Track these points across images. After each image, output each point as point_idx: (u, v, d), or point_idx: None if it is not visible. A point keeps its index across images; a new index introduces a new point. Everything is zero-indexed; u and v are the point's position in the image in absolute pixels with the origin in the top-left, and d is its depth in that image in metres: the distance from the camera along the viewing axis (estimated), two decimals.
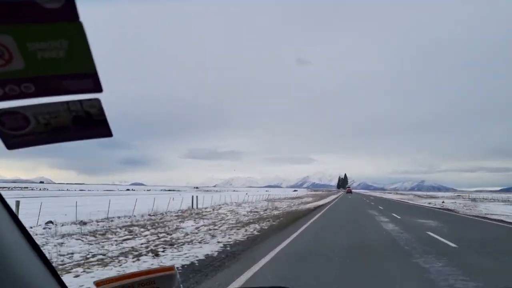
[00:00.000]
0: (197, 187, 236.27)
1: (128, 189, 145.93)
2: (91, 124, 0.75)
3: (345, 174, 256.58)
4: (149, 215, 20.15)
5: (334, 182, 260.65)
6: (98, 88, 0.69)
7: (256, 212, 25.29)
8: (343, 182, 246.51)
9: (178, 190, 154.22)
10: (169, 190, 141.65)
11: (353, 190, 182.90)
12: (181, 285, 1.30)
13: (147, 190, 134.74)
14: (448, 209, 31.25)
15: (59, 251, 8.87)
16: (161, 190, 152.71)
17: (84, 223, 15.18)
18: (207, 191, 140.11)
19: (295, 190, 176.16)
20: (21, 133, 0.73)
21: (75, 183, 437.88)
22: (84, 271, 6.89)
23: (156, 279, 1.22)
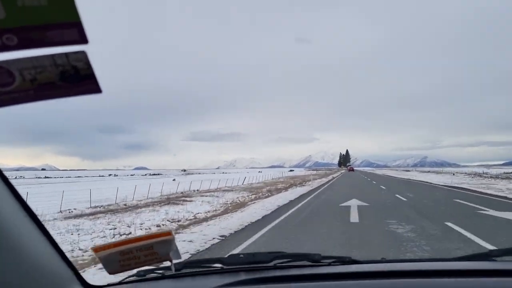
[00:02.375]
0: (184, 170, 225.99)
1: (110, 174, 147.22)
2: (78, 79, 0.69)
3: (347, 151, 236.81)
4: None
5: (337, 160, 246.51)
6: (84, 39, 0.64)
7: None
8: (344, 160, 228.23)
9: (160, 174, 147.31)
10: (153, 175, 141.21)
11: (355, 168, 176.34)
12: (178, 250, 1.32)
13: (131, 175, 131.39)
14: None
15: None
16: (145, 174, 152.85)
17: None
18: (200, 173, 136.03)
19: (291, 170, 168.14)
20: (6, 90, 0.68)
21: (78, 169, 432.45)
22: None
23: (154, 244, 1.22)
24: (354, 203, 15.28)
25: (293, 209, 14.45)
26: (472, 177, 48.74)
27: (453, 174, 60.39)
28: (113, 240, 8.10)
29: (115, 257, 1.21)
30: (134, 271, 1.48)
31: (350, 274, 1.58)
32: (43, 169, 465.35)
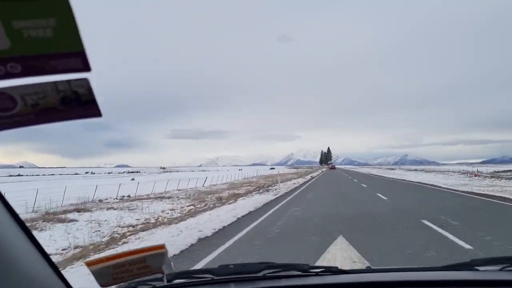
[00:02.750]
0: (164, 168, 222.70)
1: (87, 172, 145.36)
2: (79, 104, 0.71)
3: (328, 148, 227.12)
4: None
5: (318, 158, 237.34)
6: (87, 67, 0.66)
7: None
8: (326, 158, 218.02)
9: (138, 172, 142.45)
10: (132, 172, 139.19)
11: (337, 166, 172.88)
12: (171, 263, 1.34)
13: (108, 173, 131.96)
14: None
15: None
16: (123, 172, 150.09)
17: None
18: (178, 171, 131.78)
19: (272, 168, 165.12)
20: (8, 114, 0.69)
21: (57, 167, 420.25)
22: None
23: (147, 257, 1.24)
24: (340, 254, 6.44)
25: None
26: (470, 177, 41.78)
27: (447, 174, 52.87)
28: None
29: (108, 270, 1.21)
30: (126, 283, 1.45)
31: (338, 285, 1.62)
32: (21, 167, 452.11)
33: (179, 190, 32.66)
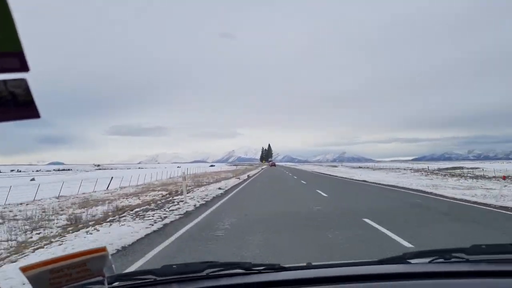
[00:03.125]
0: (98, 165, 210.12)
1: (12, 170, 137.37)
2: (16, 105, 0.70)
3: (269, 145, 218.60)
4: None
5: (259, 155, 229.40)
6: (24, 68, 0.65)
7: None
8: (266, 154, 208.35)
9: (70, 170, 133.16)
10: (62, 170, 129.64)
11: (277, 164, 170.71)
12: (113, 266, 1.26)
13: (37, 171, 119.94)
14: None
15: None
16: (50, 171, 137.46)
17: None
18: (112, 169, 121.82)
19: (211, 165, 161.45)
20: None
21: None
22: None
23: (88, 261, 1.17)
24: None
25: None
26: (428, 175, 36.26)
27: (399, 172, 46.92)
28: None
29: (44, 275, 1.12)
30: None
31: (279, 282, 1.63)
32: None
33: (58, 197, 23.26)
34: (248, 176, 40.19)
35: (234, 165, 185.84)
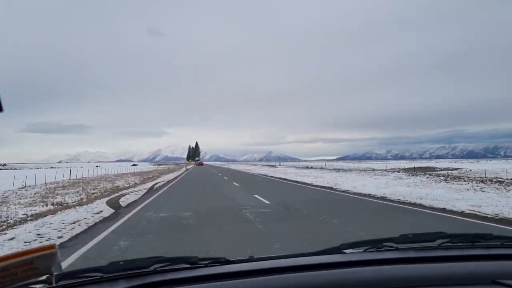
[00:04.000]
0: (4, 164, 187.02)
1: None
2: None
3: (196, 143, 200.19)
4: None
5: (186, 154, 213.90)
6: None
7: None
8: (194, 153, 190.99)
9: None
10: None
11: (205, 163, 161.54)
12: (61, 263, 1.24)
13: None
14: None
15: None
16: None
17: None
18: (18, 169, 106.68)
19: (134, 165, 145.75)
20: None
21: None
22: None
23: (35, 259, 1.11)
24: None
25: None
26: (409, 175, 26.52)
27: (365, 173, 37.42)
28: None
29: None
30: None
31: (225, 274, 1.66)
32: None
33: None
34: (166, 181, 28.31)
35: (157, 165, 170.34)
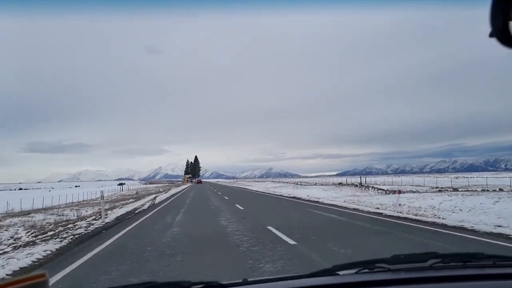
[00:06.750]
0: None
1: None
2: None
3: (196, 157, 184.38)
4: None
5: (184, 171, 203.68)
6: None
7: None
8: (193, 168, 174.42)
9: None
10: None
11: (207, 180, 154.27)
12: None
13: None
14: None
15: None
16: None
17: None
18: (15, 189, 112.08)
19: (120, 184, 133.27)
20: None
21: None
22: None
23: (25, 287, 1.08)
24: None
25: None
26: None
27: (373, 192, 31.59)
28: None
29: None
30: None
31: None
32: None
33: None
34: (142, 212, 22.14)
35: (150, 183, 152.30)
